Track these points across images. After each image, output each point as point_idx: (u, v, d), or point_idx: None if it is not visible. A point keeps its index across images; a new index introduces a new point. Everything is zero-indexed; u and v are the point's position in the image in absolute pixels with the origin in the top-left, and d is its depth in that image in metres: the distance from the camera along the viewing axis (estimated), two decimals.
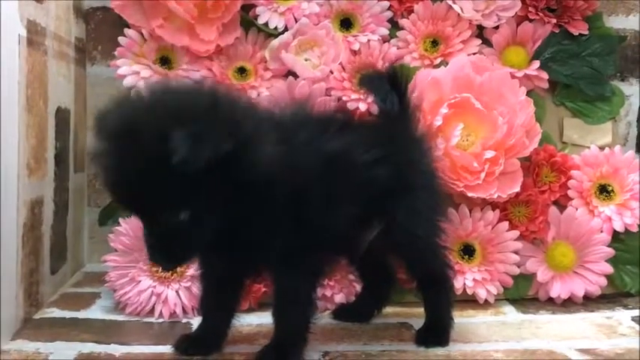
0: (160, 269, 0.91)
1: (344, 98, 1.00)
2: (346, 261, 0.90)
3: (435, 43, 1.06)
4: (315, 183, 0.71)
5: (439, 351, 0.81)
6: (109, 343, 0.82)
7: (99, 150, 0.63)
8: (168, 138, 0.58)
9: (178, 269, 0.94)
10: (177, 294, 0.93)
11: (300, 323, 0.75)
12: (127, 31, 1.00)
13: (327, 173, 0.73)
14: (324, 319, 0.93)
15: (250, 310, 0.93)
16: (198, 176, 0.60)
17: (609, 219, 1.02)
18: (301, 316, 0.75)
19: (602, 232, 1.02)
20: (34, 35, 0.89)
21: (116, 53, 1.00)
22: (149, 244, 0.65)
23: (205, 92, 0.67)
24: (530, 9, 1.06)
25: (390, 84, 0.85)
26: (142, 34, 1.00)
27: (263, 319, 0.90)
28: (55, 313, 0.93)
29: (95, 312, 0.94)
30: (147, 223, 0.65)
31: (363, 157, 0.77)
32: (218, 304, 0.80)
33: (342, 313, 0.94)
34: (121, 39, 1.00)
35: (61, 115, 1.01)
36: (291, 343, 0.75)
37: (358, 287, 0.96)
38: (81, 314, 0.93)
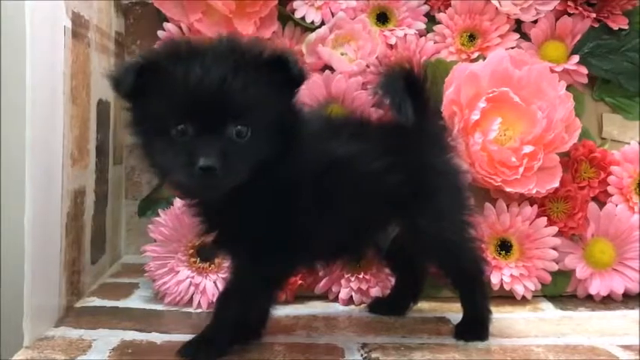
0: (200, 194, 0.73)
1: None
2: (376, 254, 0.90)
3: (472, 37, 1.05)
4: (315, 185, 0.73)
5: (479, 345, 0.81)
6: (150, 332, 0.83)
7: None
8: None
9: (216, 260, 0.95)
10: (215, 285, 0.94)
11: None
12: (166, 25, 1.02)
13: (328, 178, 0.74)
14: (359, 312, 0.93)
15: (286, 302, 0.94)
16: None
17: None
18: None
19: None
20: (78, 27, 0.90)
21: (156, 47, 1.02)
22: (208, 149, 0.65)
23: None
24: (569, 3, 1.05)
25: (408, 87, 0.82)
26: (180, 28, 1.02)
27: (299, 311, 0.92)
28: (96, 302, 0.95)
29: (135, 301, 0.95)
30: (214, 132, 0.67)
31: (371, 166, 0.76)
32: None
33: (377, 306, 0.94)
34: (160, 33, 1.02)
35: (102, 107, 1.02)
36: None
37: (394, 281, 0.96)
38: (121, 303, 0.94)
